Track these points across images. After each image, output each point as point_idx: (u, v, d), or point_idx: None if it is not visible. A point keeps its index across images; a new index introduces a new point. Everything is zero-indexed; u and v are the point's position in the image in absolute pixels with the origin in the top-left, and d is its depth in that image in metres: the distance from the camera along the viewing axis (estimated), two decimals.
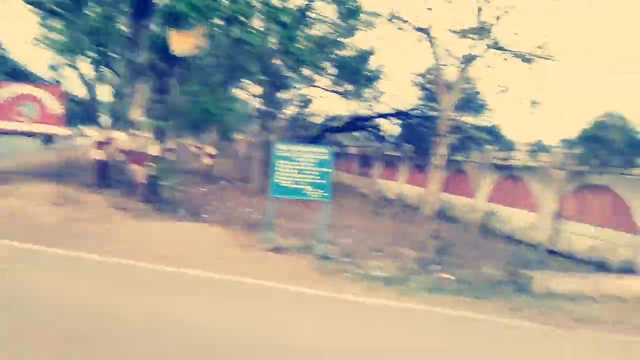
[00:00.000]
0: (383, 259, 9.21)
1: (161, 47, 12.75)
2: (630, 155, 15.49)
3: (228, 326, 4.59)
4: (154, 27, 14.08)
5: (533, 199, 13.87)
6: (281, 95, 30.63)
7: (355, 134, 33.52)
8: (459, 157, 18.63)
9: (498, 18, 16.41)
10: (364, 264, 8.36)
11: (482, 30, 16.21)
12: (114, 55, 15.74)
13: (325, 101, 34.56)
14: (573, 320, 5.93)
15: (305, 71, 30.55)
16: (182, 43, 11.16)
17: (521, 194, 14.37)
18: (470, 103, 24.06)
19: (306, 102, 34.13)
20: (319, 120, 35.56)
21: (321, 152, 8.02)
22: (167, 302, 5.08)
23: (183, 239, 8.62)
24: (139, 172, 11.74)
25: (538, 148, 20.93)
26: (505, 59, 16.09)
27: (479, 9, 16.48)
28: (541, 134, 55.82)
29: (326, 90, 32.10)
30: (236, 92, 34.53)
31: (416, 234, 12.76)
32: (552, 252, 12.70)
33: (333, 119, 33.64)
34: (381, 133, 29.35)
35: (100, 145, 15.23)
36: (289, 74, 24.89)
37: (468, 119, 24.77)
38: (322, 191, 8.02)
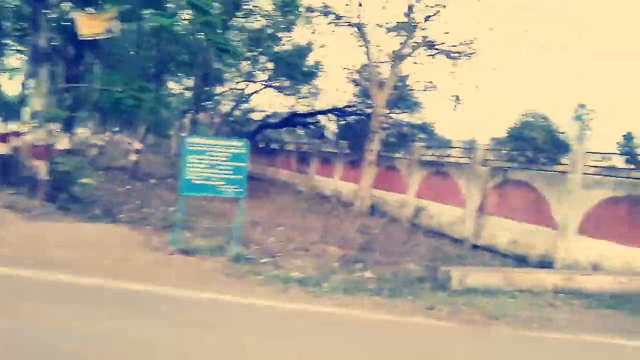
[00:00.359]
0: (307, 258, 8.84)
1: (70, 31, 11.62)
2: (551, 152, 16.20)
3: (96, 338, 3.98)
4: (63, 7, 12.83)
5: (459, 195, 14.12)
6: (216, 89, 29.57)
7: (300, 131, 33.21)
8: (392, 154, 18.74)
9: (428, 17, 16.60)
10: (285, 263, 7.95)
11: (411, 28, 16.30)
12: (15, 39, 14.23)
13: (265, 97, 33.87)
14: (487, 317, 5.84)
15: (243, 66, 29.73)
16: (90, 26, 10.16)
17: (449, 189, 14.60)
18: (405, 101, 24.39)
19: (244, 97, 33.27)
20: (258, 116, 34.81)
21: (236, 145, 7.48)
22: (33, 313, 4.37)
23: (84, 242, 7.77)
24: (42, 168, 10.59)
25: (470, 145, 21.56)
26: (432, 56, 16.28)
27: (410, 7, 16.57)
28: (478, 132, 58.50)
29: (264, 85, 31.48)
30: (171, 85, 33.00)
31: (347, 231, 12.56)
32: (476, 246, 12.95)
33: (273, 115, 33.06)
34: (319, 129, 29.21)
35: (3, 138, 13.71)
36: (222, 67, 24.03)
37: (403, 116, 25.14)
38: (237, 187, 7.50)
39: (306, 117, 29.70)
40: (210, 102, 29.85)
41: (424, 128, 27.60)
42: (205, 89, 25.09)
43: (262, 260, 7.89)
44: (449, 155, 16.65)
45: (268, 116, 33.17)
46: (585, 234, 10.24)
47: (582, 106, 56.91)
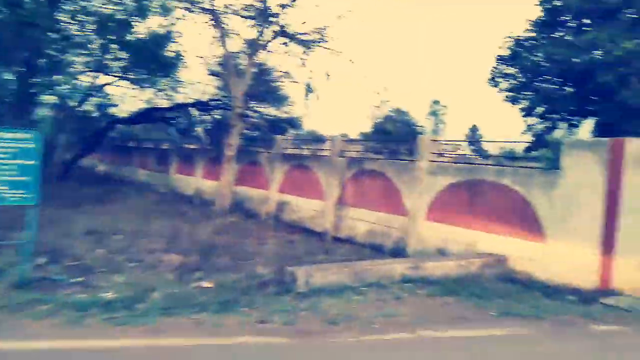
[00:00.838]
0: (136, 271, 7.51)
1: None
2: (410, 144, 16.75)
3: None
4: None
5: (320, 187, 13.83)
6: (55, 79, 25.72)
7: (172, 129, 30.54)
8: (256, 149, 17.87)
9: (285, 5, 16.00)
10: (101, 282, 6.55)
11: (267, 15, 15.55)
12: None
13: (120, 90, 30.42)
14: (328, 322, 5.24)
15: (93, 54, 26.27)
16: None
17: (310, 183, 14.25)
18: (272, 94, 23.68)
19: (94, 89, 29.55)
20: (113, 111, 31.26)
21: (22, 137, 5.85)
22: None
23: None
24: None
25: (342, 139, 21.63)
26: (285, 44, 15.73)
27: None
28: (350, 127, 60.70)
29: (118, 77, 28.26)
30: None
31: (200, 234, 11.35)
32: (337, 239, 12.73)
33: (130, 110, 29.93)
34: (180, 124, 27.13)
35: None
36: (56, 53, 20.72)
37: (270, 110, 24.40)
38: (25, 192, 5.88)
39: (166, 112, 27.38)
40: (51, 94, 25.86)
41: (291, 122, 27.26)
42: (41, 79, 21.47)
43: (71, 281, 6.40)
44: (310, 148, 16.32)
45: (135, 113, 29.97)
46: (432, 220, 10.50)
47: (436, 102, 62.48)
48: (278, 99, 24.59)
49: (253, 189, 16.78)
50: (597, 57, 13.21)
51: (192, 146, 23.02)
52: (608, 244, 7.65)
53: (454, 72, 72.49)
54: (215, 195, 17.16)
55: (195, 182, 20.54)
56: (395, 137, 19.25)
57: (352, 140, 15.57)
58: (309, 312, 5.52)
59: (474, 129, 53.09)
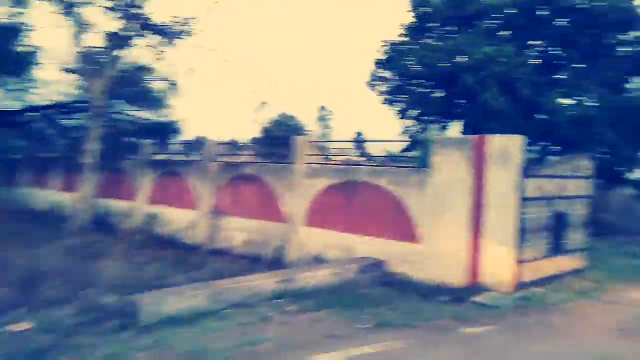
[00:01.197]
0: None
1: None
2: (285, 146, 16.17)
3: None
4: None
5: (193, 197, 12.60)
6: None
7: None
8: (121, 156, 15.91)
9: None
10: None
11: (129, 7, 13.89)
12: None
13: None
14: None
15: None
16: None
17: (182, 191, 12.93)
18: (143, 95, 21.64)
19: None
20: None
21: None
22: None
23: None
24: None
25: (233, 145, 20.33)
26: (142, 36, 14.18)
27: None
28: (242, 132, 59.05)
29: None
30: None
31: (40, 259, 9.43)
32: (213, 251, 11.62)
33: None
34: (34, 129, 23.63)
35: None
36: None
37: (143, 113, 22.29)
38: None
39: (17, 116, 23.63)
40: None
41: (171, 127, 25.30)
42: None
43: None
44: (182, 154, 14.98)
45: None
46: (312, 225, 9.96)
47: (323, 108, 63.85)
48: (152, 101, 22.58)
49: (118, 200, 14.88)
50: (461, 61, 13.91)
51: (48, 154, 20.04)
52: (475, 239, 7.73)
53: (342, 77, 74.67)
54: (72, 210, 14.89)
55: (52, 195, 17.82)
56: (271, 140, 18.64)
57: (228, 144, 14.54)
58: (150, 353, 4.47)
59: (359, 133, 55.12)
